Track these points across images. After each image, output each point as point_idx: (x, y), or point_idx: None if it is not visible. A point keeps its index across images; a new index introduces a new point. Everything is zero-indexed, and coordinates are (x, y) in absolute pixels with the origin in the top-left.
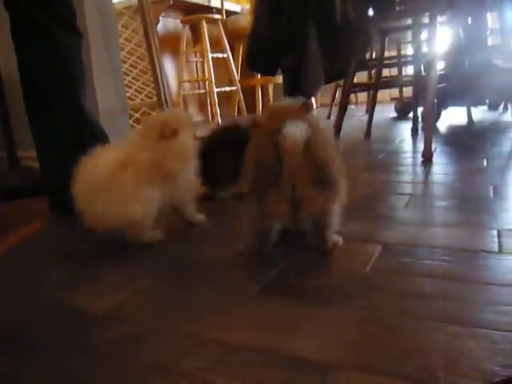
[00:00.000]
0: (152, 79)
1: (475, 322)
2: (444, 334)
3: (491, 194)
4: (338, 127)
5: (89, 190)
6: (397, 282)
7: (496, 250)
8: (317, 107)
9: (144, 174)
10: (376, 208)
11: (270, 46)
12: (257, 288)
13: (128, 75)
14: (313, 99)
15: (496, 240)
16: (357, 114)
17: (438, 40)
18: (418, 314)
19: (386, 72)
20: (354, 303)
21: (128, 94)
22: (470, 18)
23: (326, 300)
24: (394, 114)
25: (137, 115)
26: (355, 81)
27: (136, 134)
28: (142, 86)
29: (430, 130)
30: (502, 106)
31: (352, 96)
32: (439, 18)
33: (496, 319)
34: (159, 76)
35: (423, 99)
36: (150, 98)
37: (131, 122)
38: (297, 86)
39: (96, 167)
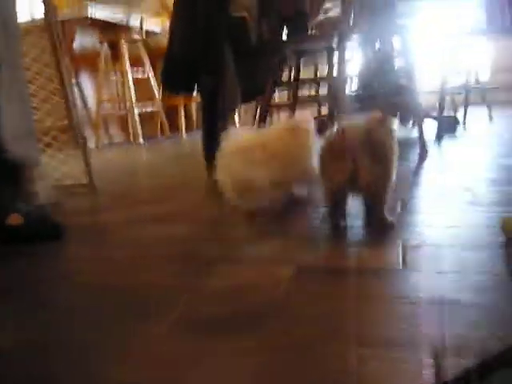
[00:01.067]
0: (63, 101)
1: (382, 341)
2: (354, 356)
3: (399, 209)
4: None
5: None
6: (309, 304)
7: (400, 266)
8: (240, 126)
9: (273, 155)
10: (287, 229)
11: (186, 64)
12: (163, 321)
13: (36, 97)
14: (236, 117)
15: (400, 256)
16: None
17: (347, 62)
18: (330, 336)
19: (306, 91)
20: (264, 329)
21: (36, 117)
22: (377, 42)
23: (234, 328)
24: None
25: (47, 139)
26: (277, 100)
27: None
28: (52, 108)
29: None
30: (411, 122)
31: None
32: (348, 42)
33: (400, 335)
34: (70, 97)
35: None
36: (62, 120)
37: (41, 146)
38: (214, 106)
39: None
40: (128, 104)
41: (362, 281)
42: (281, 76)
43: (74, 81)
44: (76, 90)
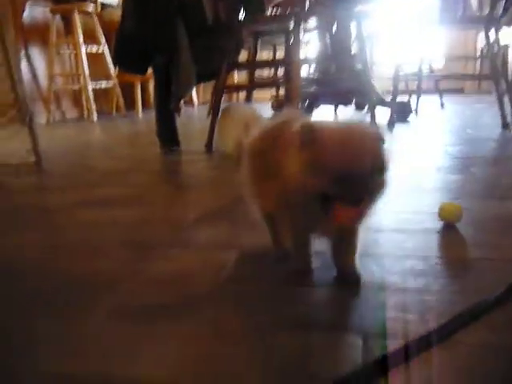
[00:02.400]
0: (8, 75)
1: (312, 324)
2: (298, 342)
3: None
4: (211, 128)
5: None
6: (247, 291)
7: None
8: (198, 105)
9: None
10: (236, 212)
11: (139, 43)
12: (102, 309)
13: None
14: (194, 96)
15: None
16: None
17: (306, 45)
18: (265, 324)
19: (266, 72)
20: (202, 317)
21: None
22: (335, 26)
23: (172, 316)
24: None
25: None
26: (236, 81)
27: None
28: None
29: None
30: (367, 107)
31: (235, 95)
32: (305, 25)
33: (329, 318)
34: (15, 71)
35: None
36: (7, 94)
37: None
38: (168, 86)
39: None
40: (81, 79)
41: None
42: (237, 57)
43: (22, 53)
44: (25, 63)
